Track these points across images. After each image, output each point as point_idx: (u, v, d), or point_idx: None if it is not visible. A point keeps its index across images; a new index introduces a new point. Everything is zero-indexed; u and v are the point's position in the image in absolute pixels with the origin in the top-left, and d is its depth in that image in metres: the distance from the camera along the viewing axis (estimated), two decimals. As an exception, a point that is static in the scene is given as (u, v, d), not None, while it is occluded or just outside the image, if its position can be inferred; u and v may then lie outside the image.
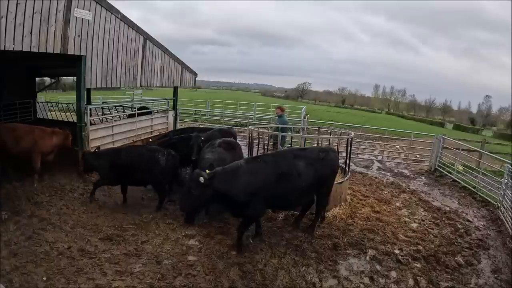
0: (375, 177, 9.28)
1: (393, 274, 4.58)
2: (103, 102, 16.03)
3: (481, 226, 6.41)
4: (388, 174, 9.82)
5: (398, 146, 13.41)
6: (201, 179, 4.29)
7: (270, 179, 4.62)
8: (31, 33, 5.87)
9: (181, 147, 7.10)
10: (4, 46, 5.46)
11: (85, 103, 7.80)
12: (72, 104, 14.46)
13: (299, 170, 4.84)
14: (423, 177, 9.69)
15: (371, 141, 13.71)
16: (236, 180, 4.49)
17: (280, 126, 8.28)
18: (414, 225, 6.12)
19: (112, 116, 9.09)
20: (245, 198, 4.48)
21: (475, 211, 7.23)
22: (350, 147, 6.94)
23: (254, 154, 7.15)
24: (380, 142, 13.84)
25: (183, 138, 7.68)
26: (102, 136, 8.24)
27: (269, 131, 8.33)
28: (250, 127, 7.44)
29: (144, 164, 6.02)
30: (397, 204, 7.16)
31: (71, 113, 13.93)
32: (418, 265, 4.79)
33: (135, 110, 10.55)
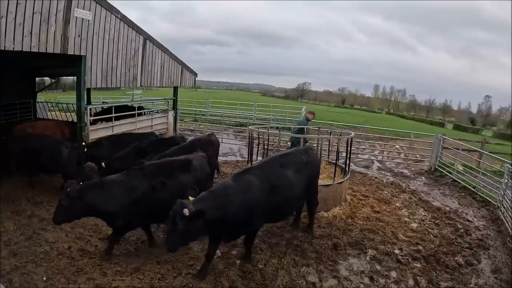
0: (375, 177, 9.28)
1: (393, 274, 4.57)
2: (103, 102, 16.02)
3: (481, 226, 6.41)
4: (388, 174, 9.82)
5: (398, 146, 13.40)
6: (185, 211, 3.50)
7: (264, 193, 4.28)
8: (31, 33, 5.88)
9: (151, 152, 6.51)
10: (4, 46, 5.47)
11: (85, 103, 7.80)
12: (72, 104, 14.47)
13: (289, 180, 4.65)
14: (423, 177, 9.69)
15: (371, 141, 13.70)
16: (229, 202, 3.96)
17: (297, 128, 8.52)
18: (414, 225, 6.12)
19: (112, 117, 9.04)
20: (242, 217, 4.08)
21: (475, 211, 7.23)
22: (350, 147, 6.94)
23: (254, 155, 7.15)
24: (380, 142, 13.84)
25: (153, 143, 7.20)
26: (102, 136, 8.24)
27: (269, 131, 8.31)
28: (250, 127, 7.44)
29: (49, 153, 6.40)
30: (397, 204, 7.16)
31: (71, 113, 13.92)
32: (418, 265, 4.79)
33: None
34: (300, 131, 8.42)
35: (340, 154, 7.25)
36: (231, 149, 11.86)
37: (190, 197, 3.77)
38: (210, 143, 7.04)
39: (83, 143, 6.93)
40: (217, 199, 3.89)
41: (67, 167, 6.39)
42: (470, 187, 8.43)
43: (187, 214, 3.49)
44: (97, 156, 6.82)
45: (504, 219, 6.52)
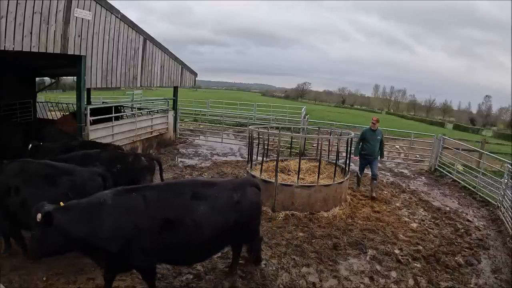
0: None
1: (393, 274, 4.57)
2: (103, 102, 16.02)
3: (481, 226, 6.41)
4: (388, 174, 9.82)
5: (398, 146, 13.40)
6: (38, 216, 2.95)
7: (152, 225, 3.26)
8: (31, 33, 5.88)
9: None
10: (4, 46, 5.46)
11: (85, 103, 7.80)
12: (72, 104, 14.47)
13: (197, 218, 3.41)
14: (423, 177, 9.69)
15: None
16: (99, 222, 3.13)
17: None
18: (414, 225, 6.12)
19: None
20: (117, 247, 3.16)
21: (475, 211, 7.23)
22: (350, 147, 6.95)
23: (254, 155, 7.15)
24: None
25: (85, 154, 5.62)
26: (102, 136, 8.23)
27: (269, 131, 8.30)
28: (250, 127, 7.44)
29: None
30: (397, 204, 7.16)
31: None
32: (418, 265, 4.79)
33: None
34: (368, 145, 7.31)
35: (340, 154, 7.25)
36: (231, 149, 11.87)
37: (61, 203, 3.20)
38: (120, 160, 5.42)
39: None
40: (85, 214, 3.14)
41: None
42: (470, 187, 8.44)
43: (38, 219, 2.94)
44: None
45: (504, 219, 6.52)
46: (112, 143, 7.35)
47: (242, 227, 3.79)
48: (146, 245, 3.26)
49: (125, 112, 11.46)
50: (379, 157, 7.62)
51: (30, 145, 5.82)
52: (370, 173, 9.60)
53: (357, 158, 7.43)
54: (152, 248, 3.29)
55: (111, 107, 9.14)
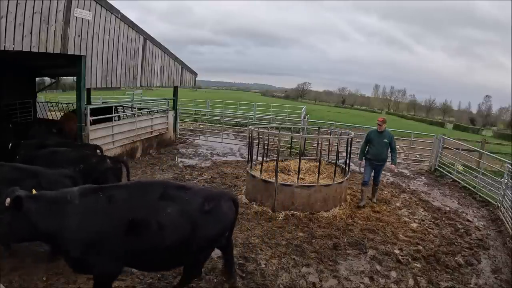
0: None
1: (393, 274, 4.57)
2: (103, 102, 16.03)
3: (481, 226, 6.41)
4: (388, 174, 9.81)
5: (398, 146, 13.39)
6: (7, 201, 2.88)
7: (117, 227, 3.03)
8: (31, 33, 5.88)
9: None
10: (4, 46, 5.46)
11: (85, 103, 7.80)
12: (72, 104, 14.47)
13: (162, 220, 3.12)
14: (423, 177, 9.70)
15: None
16: (65, 220, 2.96)
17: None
18: (414, 225, 6.12)
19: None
20: (80, 249, 2.97)
21: (475, 211, 7.23)
22: (350, 147, 6.94)
23: (254, 155, 7.15)
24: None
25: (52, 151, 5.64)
26: (102, 136, 8.24)
27: (269, 131, 8.30)
28: (250, 127, 7.44)
29: None
30: (397, 204, 7.16)
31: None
32: (418, 265, 4.79)
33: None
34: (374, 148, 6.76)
35: (340, 154, 7.25)
36: (231, 149, 11.87)
37: (33, 190, 3.13)
38: (84, 161, 5.35)
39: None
40: (52, 208, 2.98)
41: None
42: (470, 187, 8.44)
43: (7, 204, 2.86)
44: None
45: (504, 219, 6.52)
46: (92, 144, 7.25)
47: (203, 242, 3.34)
48: (111, 248, 3.05)
49: (124, 112, 11.47)
50: (388, 163, 7.03)
51: (10, 144, 5.87)
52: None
53: (362, 162, 6.96)
54: (117, 251, 3.07)
55: (111, 107, 9.17)
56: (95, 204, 3.09)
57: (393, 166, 6.99)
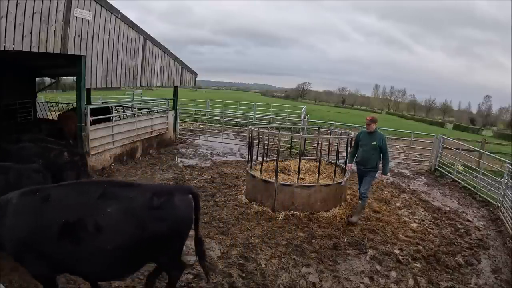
0: (375, 177, 9.26)
1: (393, 274, 4.57)
2: (103, 102, 16.04)
3: (481, 226, 6.41)
4: (388, 174, 9.80)
5: (398, 146, 13.41)
6: None
7: (47, 229, 2.86)
8: (31, 33, 5.88)
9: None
10: (4, 46, 5.46)
11: (85, 103, 7.80)
12: (72, 104, 14.48)
13: (100, 221, 2.88)
14: (423, 177, 9.70)
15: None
16: (3, 219, 2.94)
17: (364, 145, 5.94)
18: (414, 225, 6.12)
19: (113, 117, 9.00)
20: (11, 249, 2.95)
21: (475, 211, 7.23)
22: (350, 147, 6.94)
23: (254, 155, 7.15)
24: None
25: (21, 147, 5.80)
26: (102, 136, 8.24)
27: (269, 131, 8.30)
28: (250, 127, 7.44)
29: None
30: (397, 204, 7.16)
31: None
32: (418, 265, 4.79)
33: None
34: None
35: (340, 154, 7.25)
36: (231, 149, 11.87)
37: None
38: (42, 156, 5.45)
39: None
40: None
41: None
42: (470, 187, 8.44)
43: None
44: None
45: (504, 219, 6.52)
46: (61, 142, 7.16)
47: (160, 240, 3.05)
48: (41, 249, 2.89)
49: (124, 112, 11.47)
50: (379, 170, 6.03)
51: None
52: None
53: (350, 165, 6.29)
54: (49, 252, 2.90)
55: (110, 107, 9.17)
56: (29, 203, 2.99)
57: (383, 176, 6.12)
